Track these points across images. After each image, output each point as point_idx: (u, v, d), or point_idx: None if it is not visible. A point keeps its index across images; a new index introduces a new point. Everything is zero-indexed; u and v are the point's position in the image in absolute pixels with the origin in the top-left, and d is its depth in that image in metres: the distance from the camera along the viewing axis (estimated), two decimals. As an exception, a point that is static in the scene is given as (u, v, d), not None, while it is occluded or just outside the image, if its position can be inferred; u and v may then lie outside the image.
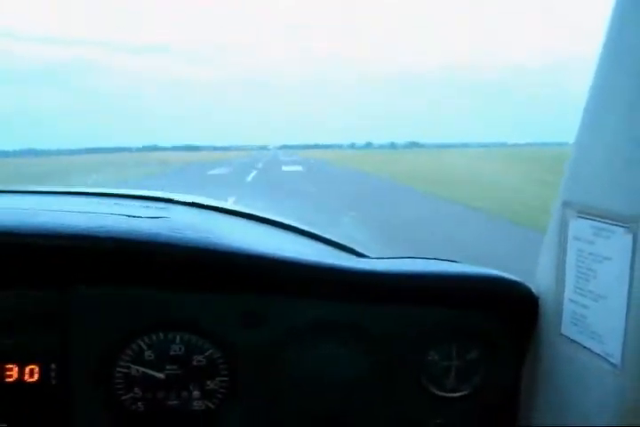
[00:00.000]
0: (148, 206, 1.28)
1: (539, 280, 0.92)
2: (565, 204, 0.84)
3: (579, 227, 0.81)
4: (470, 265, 1.01)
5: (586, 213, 0.79)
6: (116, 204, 1.30)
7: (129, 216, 0.97)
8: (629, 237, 0.71)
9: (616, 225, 0.73)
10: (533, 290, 0.93)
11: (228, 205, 1.64)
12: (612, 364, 0.73)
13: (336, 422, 0.95)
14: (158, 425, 0.90)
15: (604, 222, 0.75)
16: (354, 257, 1.24)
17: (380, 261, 1.04)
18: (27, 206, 1.00)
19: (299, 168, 31.81)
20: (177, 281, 0.89)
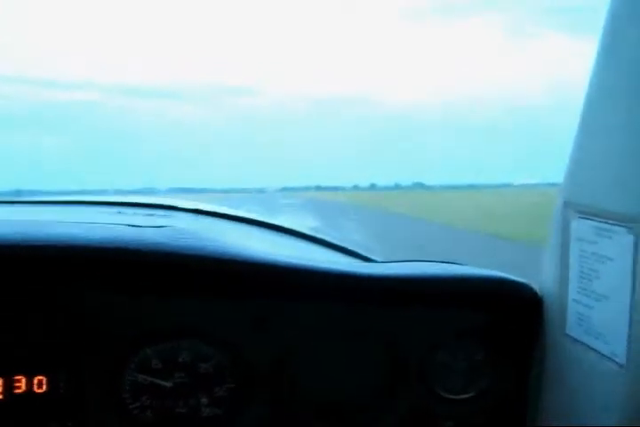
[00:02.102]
0: (151, 214, 1.28)
1: (542, 281, 0.92)
2: (566, 204, 0.85)
3: (580, 227, 0.81)
4: (474, 267, 1.01)
5: (587, 213, 0.80)
6: (119, 212, 1.30)
7: (132, 226, 0.98)
8: (631, 238, 0.71)
9: (617, 225, 0.73)
10: (537, 291, 0.93)
11: (232, 211, 1.64)
12: (617, 363, 0.73)
13: (344, 425, 0.95)
14: None
15: (606, 223, 0.75)
16: (359, 261, 1.25)
17: (384, 265, 1.04)
18: (32, 218, 1.01)
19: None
20: (182, 289, 0.89)
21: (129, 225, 0.98)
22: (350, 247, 1.39)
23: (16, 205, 1.52)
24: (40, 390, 0.86)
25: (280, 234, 1.47)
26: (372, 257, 1.31)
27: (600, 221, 0.77)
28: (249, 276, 0.89)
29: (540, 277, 0.93)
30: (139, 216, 1.24)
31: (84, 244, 0.86)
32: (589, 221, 0.79)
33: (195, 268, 0.88)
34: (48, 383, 0.86)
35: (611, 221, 0.75)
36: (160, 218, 1.23)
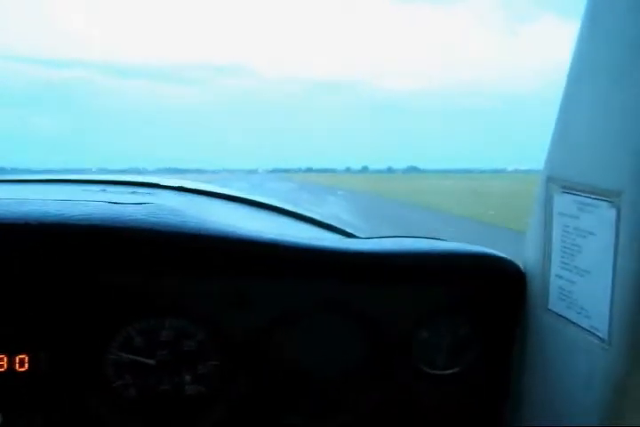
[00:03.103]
0: (134, 192, 1.27)
1: (525, 256, 0.92)
2: (549, 179, 0.85)
3: (563, 202, 0.81)
4: (456, 242, 1.02)
5: (570, 188, 0.80)
6: (102, 190, 1.29)
7: (112, 203, 0.97)
8: (613, 212, 0.71)
9: (600, 200, 0.73)
10: (521, 266, 0.94)
11: (215, 188, 1.63)
12: (599, 338, 0.73)
13: (328, 402, 0.95)
14: (151, 411, 0.90)
15: (588, 197, 0.75)
16: (343, 237, 1.24)
17: (368, 240, 1.04)
18: (14, 196, 1.00)
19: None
20: (162, 266, 0.89)
21: (110, 202, 0.97)
22: (335, 224, 1.38)
23: (3, 183, 1.50)
24: (22, 369, 0.86)
25: (264, 210, 1.46)
26: (357, 234, 1.31)
27: (583, 196, 0.77)
28: (230, 252, 0.89)
29: (524, 252, 0.93)
30: (121, 194, 1.22)
31: (62, 220, 0.85)
32: (572, 196, 0.79)
33: (174, 244, 0.87)
34: (30, 362, 0.86)
35: (593, 196, 0.75)
36: (142, 195, 1.22)
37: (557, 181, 0.83)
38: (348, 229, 1.34)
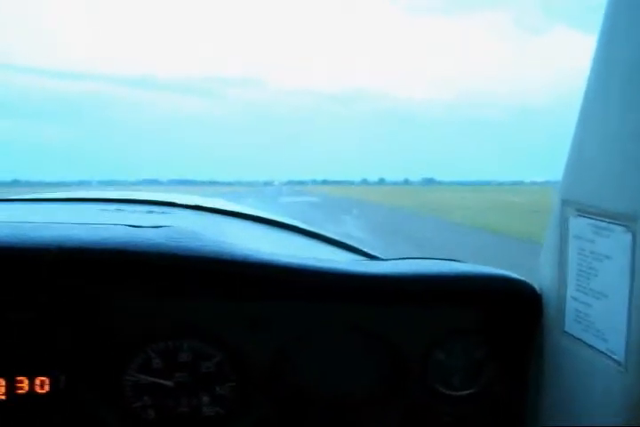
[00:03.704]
0: (151, 211, 1.28)
1: (541, 278, 0.93)
2: (564, 202, 0.85)
3: (578, 225, 0.82)
4: (474, 264, 1.02)
5: (585, 211, 0.80)
6: (118, 209, 1.30)
7: (131, 226, 0.98)
8: (629, 236, 0.71)
9: (615, 224, 0.74)
10: (536, 288, 0.94)
11: (232, 206, 1.64)
12: (615, 361, 0.73)
13: (345, 423, 0.95)
14: None
15: (604, 221, 0.76)
16: (359, 258, 1.25)
17: (384, 263, 1.05)
18: (32, 217, 1.01)
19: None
20: (181, 290, 0.90)
21: (129, 225, 0.99)
22: (352, 244, 1.39)
23: (15, 202, 1.51)
24: (42, 391, 0.87)
25: (282, 230, 1.47)
26: (374, 253, 1.31)
27: (598, 220, 0.77)
28: (248, 277, 0.90)
29: (539, 275, 0.94)
30: (138, 214, 1.23)
31: (83, 245, 0.86)
32: (587, 220, 0.79)
33: (194, 269, 0.88)
34: (50, 384, 0.87)
35: (608, 220, 0.75)
36: (159, 215, 1.23)
37: (572, 204, 0.83)
38: (365, 249, 1.35)
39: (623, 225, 0.72)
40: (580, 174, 0.83)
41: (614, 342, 0.74)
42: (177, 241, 0.90)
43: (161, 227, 0.98)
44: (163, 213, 1.28)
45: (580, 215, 0.81)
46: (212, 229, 1.24)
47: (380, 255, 1.29)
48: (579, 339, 0.81)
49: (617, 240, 0.73)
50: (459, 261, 1.06)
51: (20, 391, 0.86)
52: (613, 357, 0.74)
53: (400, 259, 1.07)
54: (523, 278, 0.96)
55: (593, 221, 0.78)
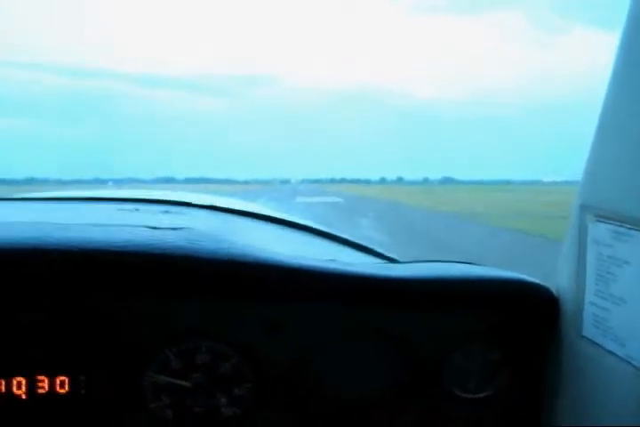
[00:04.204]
0: (167, 211, 1.29)
1: (558, 282, 0.93)
2: (583, 207, 0.85)
3: (597, 230, 0.82)
4: (490, 267, 1.02)
5: (604, 216, 0.80)
6: (135, 209, 1.31)
7: (151, 228, 0.99)
8: None
9: (634, 229, 0.73)
10: (553, 292, 0.94)
11: (247, 206, 1.65)
12: (634, 367, 0.73)
13: (362, 425, 0.96)
14: None
15: (623, 226, 0.76)
16: (378, 260, 1.25)
17: (401, 266, 1.05)
18: (53, 218, 1.02)
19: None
20: (200, 292, 0.90)
21: (147, 227, 1.00)
22: (369, 246, 1.39)
23: (33, 202, 1.53)
24: (62, 391, 0.88)
25: (296, 231, 1.47)
26: (391, 255, 1.31)
27: (617, 225, 0.77)
28: (268, 279, 0.90)
29: (556, 279, 0.93)
30: (155, 214, 1.24)
31: (104, 247, 0.87)
32: (607, 225, 0.79)
33: (214, 271, 0.89)
34: (70, 384, 0.88)
35: (628, 226, 0.75)
36: (176, 216, 1.24)
37: (591, 210, 0.83)
38: (382, 251, 1.35)
39: None
40: (600, 179, 0.83)
41: (633, 347, 0.74)
42: (197, 243, 0.90)
43: (180, 229, 0.99)
44: (179, 213, 1.29)
45: (599, 220, 0.81)
46: (230, 230, 1.24)
47: (395, 257, 1.29)
48: (596, 344, 0.81)
49: (637, 245, 0.73)
50: (475, 263, 1.06)
51: (40, 391, 0.87)
52: (632, 362, 0.74)
53: (416, 262, 1.07)
54: (540, 282, 0.96)
55: (612, 227, 0.78)
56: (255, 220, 1.49)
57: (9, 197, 1.56)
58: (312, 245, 1.39)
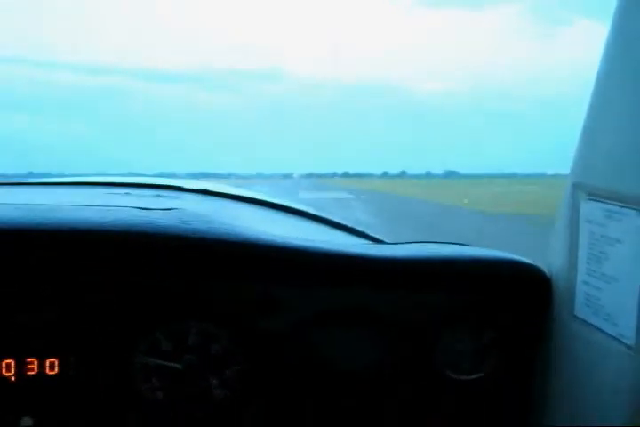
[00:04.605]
0: (159, 195, 1.28)
1: (550, 262, 0.92)
2: (575, 186, 0.84)
3: (590, 209, 0.81)
4: (481, 248, 1.02)
5: (596, 195, 0.80)
6: (126, 193, 1.31)
7: (141, 208, 0.98)
8: None
9: (627, 208, 0.73)
10: (545, 272, 0.93)
11: (238, 191, 1.64)
12: (626, 345, 0.73)
13: (352, 406, 0.95)
14: (178, 414, 0.91)
15: (615, 205, 0.75)
16: (368, 242, 1.24)
17: (393, 246, 1.04)
18: (42, 199, 1.02)
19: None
20: (191, 272, 0.90)
21: (138, 208, 0.99)
22: (359, 228, 1.39)
23: (25, 186, 1.52)
24: (52, 372, 0.87)
25: (288, 214, 1.47)
26: (381, 238, 1.31)
27: (610, 204, 0.77)
28: (258, 258, 0.90)
29: (548, 259, 0.93)
30: (147, 198, 1.23)
31: (94, 227, 0.86)
32: (599, 204, 0.79)
33: (204, 250, 0.88)
34: (59, 366, 0.88)
35: (621, 204, 0.74)
36: (168, 199, 1.24)
37: (584, 188, 0.83)
38: (372, 234, 1.35)
39: (635, 209, 0.72)
40: (592, 158, 0.82)
41: (625, 325, 0.74)
42: (187, 223, 0.90)
43: (171, 209, 0.99)
44: (170, 197, 1.28)
45: (592, 199, 0.81)
46: (221, 212, 1.24)
47: (385, 240, 1.28)
48: (589, 323, 0.81)
49: (629, 224, 0.73)
50: (466, 244, 1.06)
51: (29, 373, 0.87)
52: (624, 341, 0.74)
53: (408, 243, 1.06)
54: (531, 262, 0.96)
55: (604, 205, 0.78)
56: (246, 204, 1.48)
57: None
58: (303, 227, 1.38)
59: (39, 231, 0.84)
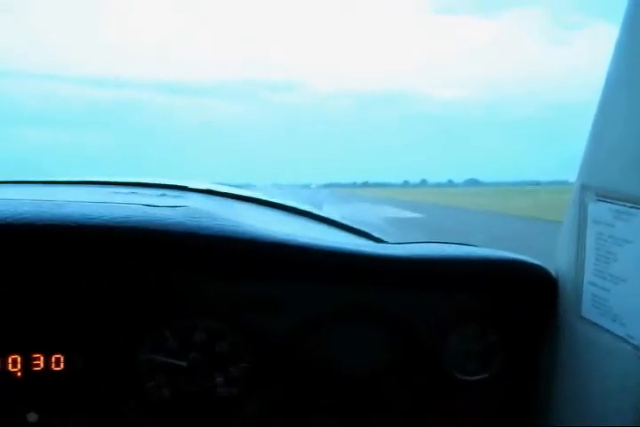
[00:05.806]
0: (164, 195, 1.29)
1: (557, 263, 0.92)
2: (584, 187, 0.84)
3: (598, 210, 0.81)
4: (487, 249, 1.01)
5: (604, 195, 0.79)
6: (132, 192, 1.31)
7: (148, 206, 0.98)
8: None
9: (635, 208, 0.73)
10: (552, 272, 0.93)
11: (243, 191, 1.65)
12: (633, 346, 0.73)
13: (357, 405, 0.95)
14: (183, 411, 0.91)
15: (624, 205, 0.75)
16: (372, 242, 1.24)
17: (398, 246, 1.04)
18: (48, 197, 1.02)
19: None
20: (197, 269, 0.90)
21: (144, 205, 0.99)
22: (364, 229, 1.39)
23: (31, 184, 1.54)
24: (58, 369, 0.88)
25: (293, 215, 1.47)
26: (385, 239, 1.31)
27: (618, 204, 0.76)
28: (266, 256, 0.90)
29: (555, 259, 0.93)
30: (152, 197, 1.24)
31: (102, 223, 0.86)
32: (607, 204, 0.79)
33: (211, 248, 0.88)
34: (65, 362, 0.88)
35: (629, 204, 0.74)
36: (173, 198, 1.25)
37: (592, 189, 0.83)
38: (376, 234, 1.35)
39: None
40: (600, 159, 0.82)
41: (633, 326, 0.73)
42: (195, 220, 0.90)
43: (178, 207, 0.99)
44: (176, 196, 1.29)
45: (600, 200, 0.81)
46: (227, 210, 1.24)
47: (390, 241, 1.27)
48: (596, 324, 0.81)
49: (637, 224, 0.73)
50: (471, 245, 1.05)
51: (35, 368, 0.87)
52: (632, 341, 0.73)
53: (413, 243, 1.06)
54: (538, 263, 0.96)
55: (613, 206, 0.78)
56: (251, 203, 1.49)
57: (2, 180, 1.56)
58: (308, 227, 1.38)
59: (48, 226, 0.84)
